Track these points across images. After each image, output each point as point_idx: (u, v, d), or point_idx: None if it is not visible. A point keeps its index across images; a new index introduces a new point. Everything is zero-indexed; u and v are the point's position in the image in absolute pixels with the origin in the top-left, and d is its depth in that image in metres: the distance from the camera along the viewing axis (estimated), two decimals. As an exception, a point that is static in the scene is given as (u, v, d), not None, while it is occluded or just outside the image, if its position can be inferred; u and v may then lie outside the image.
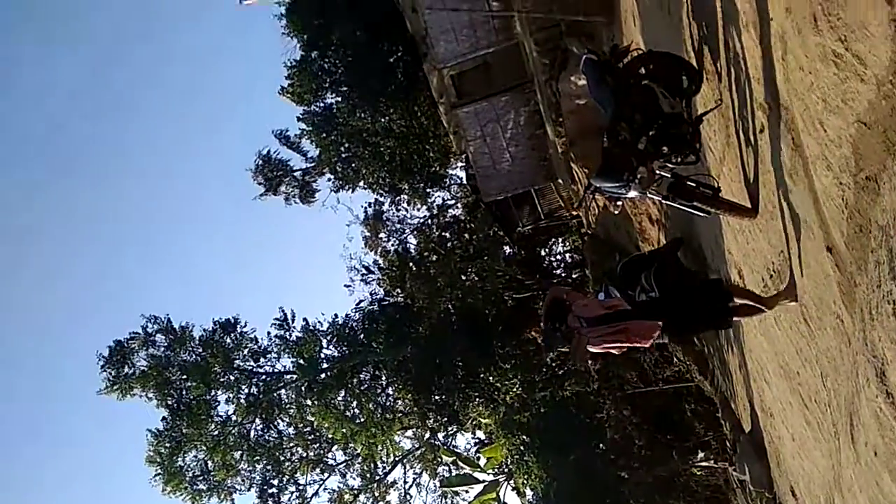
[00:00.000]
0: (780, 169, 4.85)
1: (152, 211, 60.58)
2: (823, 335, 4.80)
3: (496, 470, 22.41)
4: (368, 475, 24.69)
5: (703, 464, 15.65)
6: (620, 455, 17.18)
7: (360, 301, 24.79)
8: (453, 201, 25.67)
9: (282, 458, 24.36)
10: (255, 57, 62.12)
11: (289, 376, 24.79)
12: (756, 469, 9.17)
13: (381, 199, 25.07)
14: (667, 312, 5.62)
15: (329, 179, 24.64)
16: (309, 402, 24.17)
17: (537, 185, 19.82)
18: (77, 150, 58.18)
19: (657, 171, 5.59)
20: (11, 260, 57.80)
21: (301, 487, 24.54)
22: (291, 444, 24.64)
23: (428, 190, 24.52)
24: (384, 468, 24.97)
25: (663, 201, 5.89)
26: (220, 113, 62.79)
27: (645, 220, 12.00)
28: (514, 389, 21.42)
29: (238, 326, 24.64)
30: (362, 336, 23.79)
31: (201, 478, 23.88)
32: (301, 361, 24.00)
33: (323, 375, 23.96)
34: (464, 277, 23.41)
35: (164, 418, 23.97)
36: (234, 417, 24.49)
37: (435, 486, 24.58)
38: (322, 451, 24.88)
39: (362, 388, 24.19)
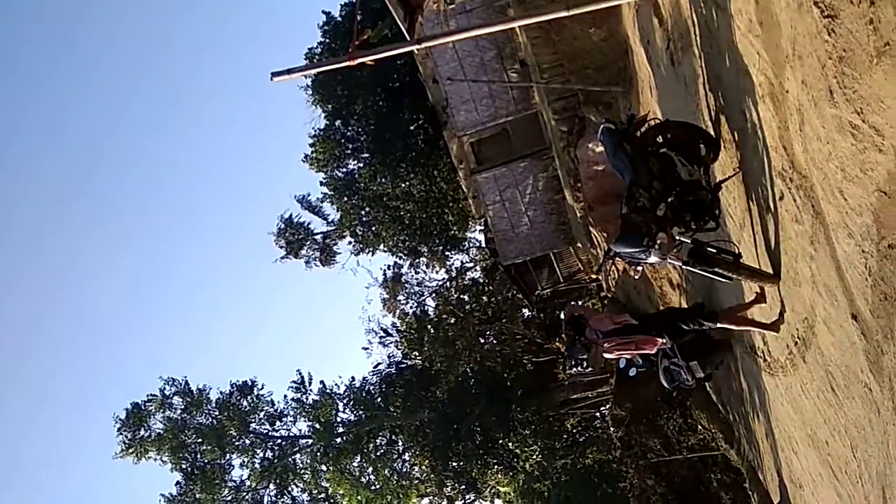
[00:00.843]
0: (802, 236, 4.87)
1: (174, 272, 61.43)
2: (852, 404, 4.71)
3: (516, 541, 21.67)
4: (384, 544, 23.98)
5: (732, 538, 15.02)
6: (645, 527, 16.56)
7: (378, 364, 24.69)
8: (472, 264, 25.79)
9: (296, 526, 23.82)
10: (280, 125, 64.01)
11: (304, 440, 24.49)
12: (787, 544, 8.80)
13: (401, 261, 25.29)
14: (663, 327, 6.76)
15: (349, 242, 24.95)
16: (324, 468, 23.77)
17: (556, 249, 19.88)
18: (100, 209, 59.60)
19: (677, 237, 5.64)
20: (31, 318, 58.51)
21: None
22: (306, 511, 24.13)
23: (447, 253, 24.71)
24: (400, 537, 24.25)
25: (684, 267, 5.91)
26: (243, 178, 64.33)
27: (666, 285, 11.95)
28: (534, 456, 20.92)
29: (255, 389, 24.57)
30: (379, 399, 23.56)
31: (214, 545, 23.36)
32: (317, 425, 23.75)
33: (339, 440, 23.64)
34: (482, 340, 23.28)
35: (177, 482, 23.67)
36: (247, 482, 24.10)
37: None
38: (337, 519, 24.29)
39: (378, 453, 23.78)
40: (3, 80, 53.12)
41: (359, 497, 23.04)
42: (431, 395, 22.45)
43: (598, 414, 22.34)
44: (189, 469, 23.64)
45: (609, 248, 6.18)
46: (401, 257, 24.93)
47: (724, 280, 5.94)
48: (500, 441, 21.33)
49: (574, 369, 6.71)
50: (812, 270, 4.85)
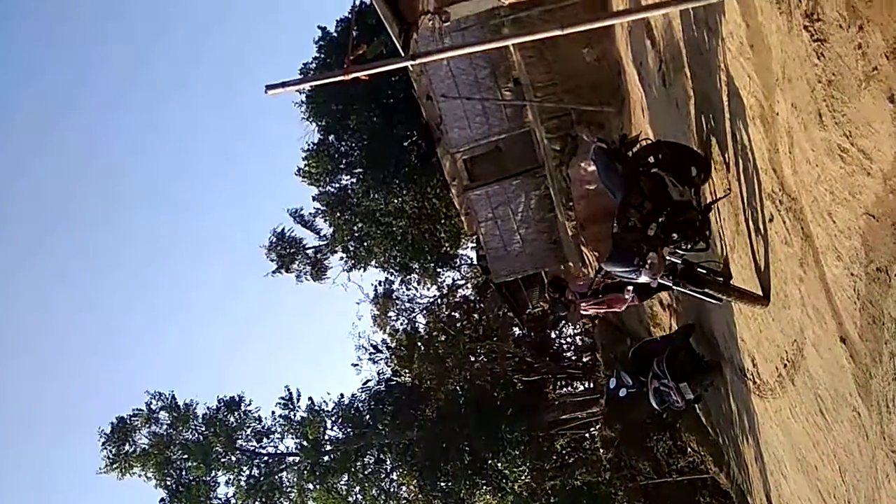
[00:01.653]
0: (791, 258, 4.88)
1: (162, 284, 60.99)
2: (840, 428, 4.70)
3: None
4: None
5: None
6: (633, 550, 16.44)
7: (367, 381, 24.51)
8: (463, 281, 25.76)
9: (281, 545, 23.50)
10: (274, 139, 64.03)
11: (291, 458, 24.21)
12: (776, 569, 8.73)
13: (392, 277, 25.22)
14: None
15: (341, 258, 24.87)
16: (311, 486, 23.48)
17: (547, 268, 19.89)
18: (89, 219, 59.28)
19: (667, 258, 5.65)
20: (15, 330, 57.89)
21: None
22: (291, 531, 23.81)
23: (438, 270, 24.67)
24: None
25: (674, 287, 5.91)
26: (236, 191, 64.19)
27: (656, 305, 11.96)
28: (523, 477, 20.76)
29: (242, 405, 24.31)
30: (368, 417, 23.37)
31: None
32: (304, 443, 23.50)
33: (326, 458, 23.40)
34: (472, 358, 23.18)
35: (162, 499, 23.31)
36: (233, 500, 23.77)
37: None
38: (323, 538, 23.96)
39: (366, 472, 23.53)
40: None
41: (346, 516, 22.78)
42: (421, 414, 22.29)
43: (587, 435, 22.23)
44: (174, 485, 23.29)
45: (600, 268, 6.18)
46: (392, 273, 24.88)
47: (714, 301, 5.94)
48: (489, 461, 21.16)
49: (559, 320, 7.74)
50: (801, 293, 4.85)
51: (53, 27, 54.53)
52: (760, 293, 5.85)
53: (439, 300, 25.30)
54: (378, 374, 24.53)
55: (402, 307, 25.39)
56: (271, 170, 64.75)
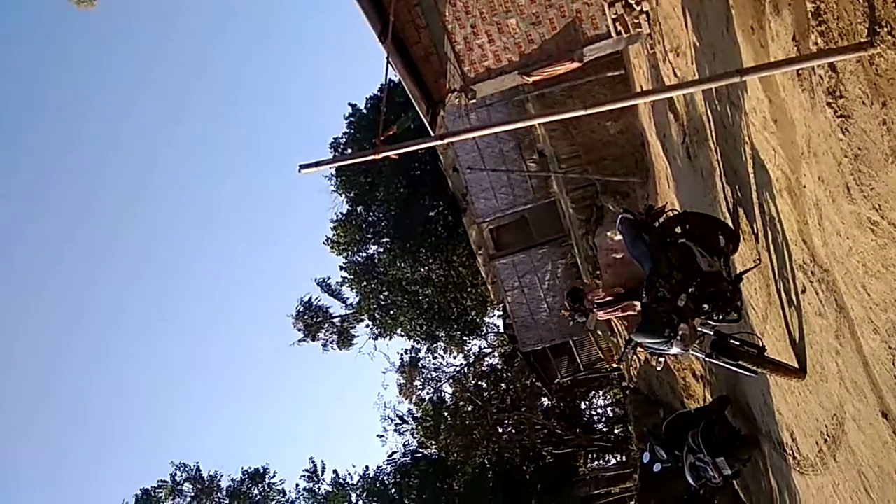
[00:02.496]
0: (826, 330, 4.80)
1: (187, 355, 61.37)
2: (889, 508, 4.49)
3: None
4: None
5: None
6: None
7: (393, 453, 24.09)
8: (490, 350, 25.54)
9: None
10: (303, 208, 65.41)
11: (315, 533, 23.67)
12: None
13: (418, 346, 25.12)
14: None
15: (367, 326, 24.92)
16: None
17: (575, 337, 19.67)
18: (118, 288, 60.36)
19: (699, 329, 5.58)
20: (40, 399, 58.30)
21: None
22: None
23: (465, 338, 24.54)
24: None
25: (706, 360, 5.82)
26: (265, 261, 65.23)
27: (689, 376, 11.71)
28: (554, 556, 19.95)
29: (267, 477, 24.01)
30: (393, 491, 22.85)
31: None
32: (329, 518, 23.01)
33: (351, 533, 22.82)
34: (500, 430, 22.71)
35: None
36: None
37: None
38: None
39: (391, 548, 22.86)
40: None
41: None
42: (448, 487, 21.74)
43: (621, 511, 21.40)
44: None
45: (630, 338, 6.12)
46: (418, 342, 24.80)
47: (748, 374, 5.82)
48: (519, 539, 20.44)
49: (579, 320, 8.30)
50: (838, 366, 4.74)
51: (92, 97, 57.24)
52: (796, 365, 5.73)
53: (466, 369, 25.06)
54: (404, 445, 24.15)
55: (429, 376, 25.18)
56: (299, 240, 65.87)
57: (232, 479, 23.74)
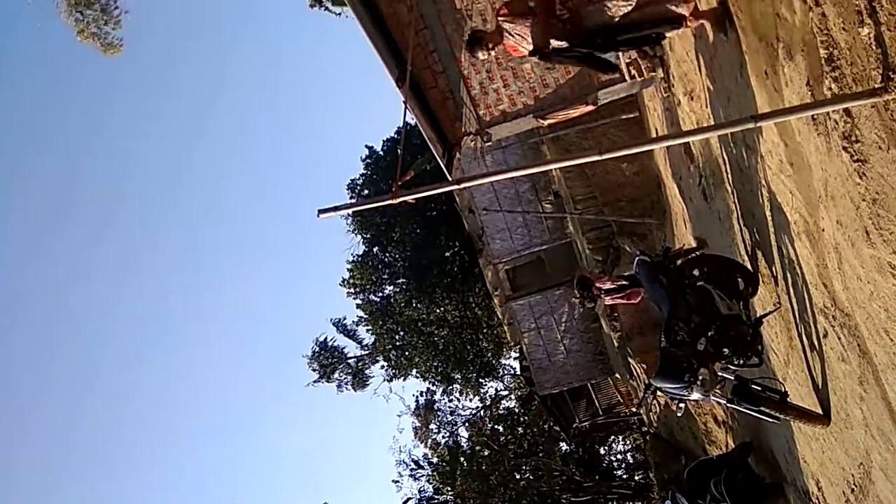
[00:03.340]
0: (850, 376, 4.70)
1: (202, 395, 61.23)
2: (923, 563, 4.32)
3: None
4: None
5: None
6: None
7: (408, 499, 23.66)
8: (507, 392, 25.23)
9: None
10: (320, 249, 65.88)
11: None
12: None
13: (433, 388, 24.90)
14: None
15: (382, 367, 24.78)
16: None
17: (594, 380, 19.42)
18: (131, 337, 60.68)
19: (719, 374, 5.49)
20: (56, 451, 58.22)
21: None
22: None
23: (481, 380, 24.30)
24: None
25: (728, 405, 5.71)
26: (281, 302, 65.46)
27: (710, 421, 11.46)
28: None
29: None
30: (409, 538, 22.38)
31: None
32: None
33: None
34: (518, 476, 22.26)
35: None
36: None
37: None
38: None
39: None
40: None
41: None
42: (463, 535, 21.27)
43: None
44: None
45: (649, 383, 6.03)
46: (434, 383, 24.58)
47: (771, 420, 5.70)
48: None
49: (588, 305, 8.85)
50: (863, 413, 4.63)
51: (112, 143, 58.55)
52: (820, 412, 5.59)
53: (482, 412, 24.73)
54: (419, 491, 23.74)
55: (444, 419, 24.87)
56: (315, 280, 66.18)
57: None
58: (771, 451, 8.40)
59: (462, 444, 24.02)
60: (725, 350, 5.49)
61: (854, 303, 4.21)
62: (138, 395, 62.13)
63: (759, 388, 5.66)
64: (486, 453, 22.93)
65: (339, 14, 20.30)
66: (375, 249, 23.22)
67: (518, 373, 23.59)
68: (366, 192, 22.84)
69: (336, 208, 3.84)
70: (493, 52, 5.54)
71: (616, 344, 16.11)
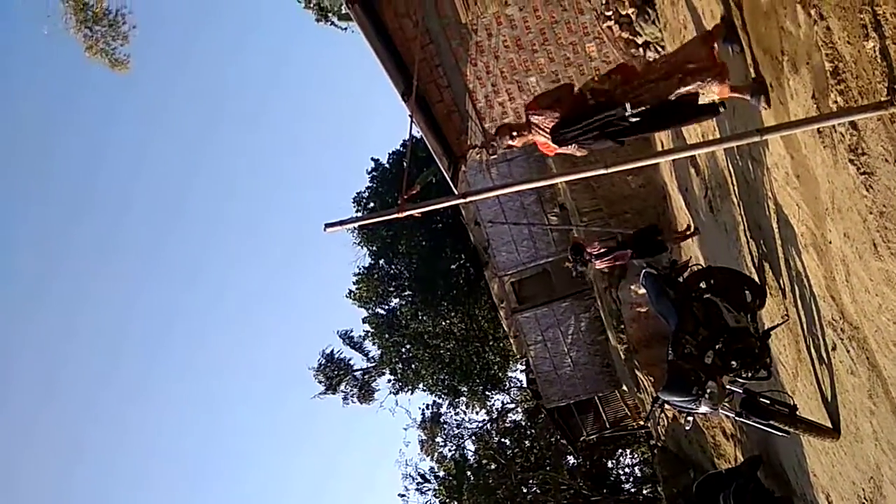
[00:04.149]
0: (859, 389, 4.67)
1: (209, 409, 61.18)
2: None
3: None
4: None
5: None
6: None
7: (415, 513, 23.53)
8: (513, 405, 25.12)
9: None
10: (326, 262, 66.00)
11: None
12: None
13: (440, 400, 24.80)
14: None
15: (389, 380, 24.73)
16: None
17: (601, 393, 19.32)
18: (137, 350, 60.81)
19: (727, 387, 5.46)
20: (67, 471, 58.22)
21: None
22: None
23: (487, 393, 24.20)
24: None
25: (737, 419, 5.67)
26: (288, 314, 65.51)
27: (719, 435, 11.38)
28: None
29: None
30: (415, 552, 22.23)
31: None
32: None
33: None
34: (525, 490, 22.13)
35: None
36: None
37: None
38: None
39: None
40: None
41: None
42: (470, 549, 21.11)
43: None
44: None
45: (657, 396, 5.99)
46: (440, 396, 24.50)
47: (780, 434, 5.66)
48: None
49: (580, 269, 9.80)
50: (873, 426, 4.59)
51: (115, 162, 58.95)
52: (829, 425, 5.55)
53: (489, 425, 24.62)
54: (426, 505, 23.59)
55: (451, 432, 24.76)
56: (322, 292, 66.23)
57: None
58: (780, 464, 8.34)
59: (469, 457, 23.90)
60: (734, 363, 5.46)
61: (862, 315, 4.19)
62: (141, 408, 62.16)
63: (768, 402, 5.62)
64: (492, 467, 22.80)
65: (345, 29, 20.44)
66: (381, 262, 23.24)
67: (524, 385, 23.49)
68: (372, 205, 22.90)
69: (342, 222, 3.85)
70: (518, 142, 5.42)
71: (623, 356, 16.04)
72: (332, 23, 20.74)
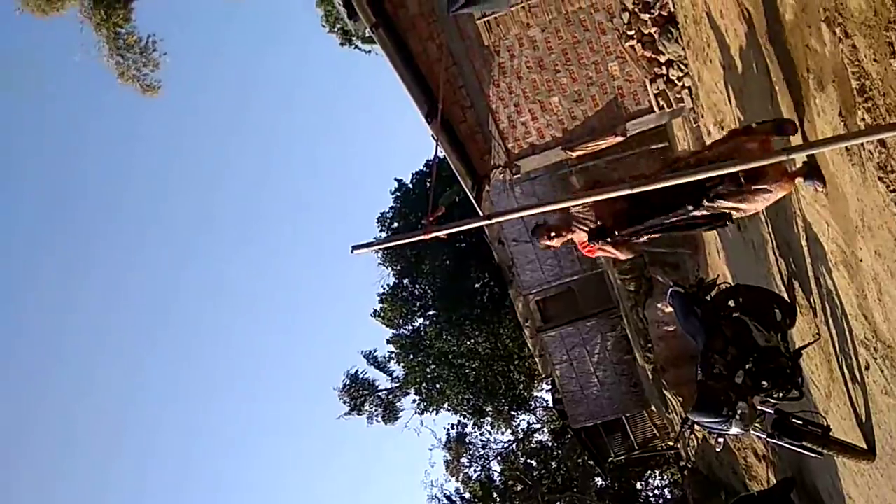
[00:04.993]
0: (894, 409, 4.57)
1: (229, 430, 61.45)
2: None
3: None
4: None
5: None
6: None
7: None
8: (539, 425, 24.88)
9: None
10: (347, 283, 66.31)
11: None
12: None
13: (465, 420, 24.65)
14: None
15: (413, 400, 24.66)
16: None
17: (628, 413, 19.07)
18: (157, 363, 61.44)
19: (758, 407, 5.37)
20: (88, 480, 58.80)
21: None
22: None
23: (513, 413, 24.01)
24: None
25: (768, 440, 5.57)
26: (312, 335, 65.81)
27: (750, 456, 11.16)
28: None
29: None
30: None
31: None
32: None
33: None
34: (552, 511, 21.84)
35: None
36: None
37: None
38: None
39: None
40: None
41: None
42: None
43: None
44: None
45: (686, 417, 5.91)
46: (465, 416, 24.35)
47: (813, 455, 5.54)
48: None
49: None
50: (912, 448, 4.49)
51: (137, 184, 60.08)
52: (864, 446, 5.42)
53: (514, 446, 24.39)
54: (452, 527, 23.36)
55: (476, 453, 24.57)
56: (346, 312, 66.53)
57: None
58: (815, 486, 8.15)
59: (494, 478, 23.68)
60: (764, 383, 5.37)
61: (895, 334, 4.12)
62: (164, 431, 62.69)
63: (801, 422, 5.51)
64: (519, 488, 22.55)
65: (369, 52, 20.75)
66: (405, 282, 23.30)
67: (551, 405, 23.27)
68: (395, 225, 23.03)
69: (369, 244, 3.89)
70: (557, 242, 5.44)
71: (650, 376, 15.85)
72: (356, 46, 21.07)
